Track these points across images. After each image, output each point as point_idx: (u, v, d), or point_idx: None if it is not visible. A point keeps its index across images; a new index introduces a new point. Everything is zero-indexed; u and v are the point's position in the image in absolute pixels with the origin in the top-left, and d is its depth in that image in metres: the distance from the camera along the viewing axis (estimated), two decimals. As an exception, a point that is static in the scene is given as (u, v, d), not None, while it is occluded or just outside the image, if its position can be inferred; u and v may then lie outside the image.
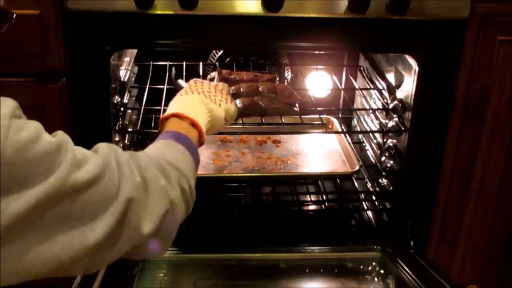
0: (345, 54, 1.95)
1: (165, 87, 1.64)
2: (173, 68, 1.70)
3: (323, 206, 1.64)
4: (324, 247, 1.43)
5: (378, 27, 1.25)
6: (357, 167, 1.60)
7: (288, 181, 1.72)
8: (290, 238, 1.45)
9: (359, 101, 1.88)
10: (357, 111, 1.87)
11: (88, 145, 0.75)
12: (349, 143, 1.72)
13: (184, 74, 1.69)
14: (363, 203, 1.65)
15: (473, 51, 1.29)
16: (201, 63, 1.78)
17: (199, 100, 1.11)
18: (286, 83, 1.80)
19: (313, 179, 1.72)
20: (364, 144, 1.83)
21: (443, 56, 1.30)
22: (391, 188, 1.54)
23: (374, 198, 1.63)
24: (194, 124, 1.04)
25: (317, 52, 1.80)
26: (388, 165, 1.56)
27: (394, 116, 1.50)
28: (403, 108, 1.42)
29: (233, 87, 1.56)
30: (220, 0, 1.19)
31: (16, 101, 0.67)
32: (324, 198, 1.66)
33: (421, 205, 1.45)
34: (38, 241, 0.66)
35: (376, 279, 1.37)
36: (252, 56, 1.79)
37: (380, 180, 1.62)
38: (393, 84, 1.53)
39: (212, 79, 1.62)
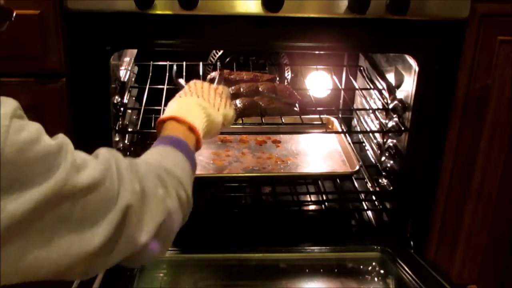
0: (345, 54, 1.95)
1: (165, 87, 1.64)
2: (174, 65, 1.70)
3: (323, 206, 1.64)
4: (324, 247, 1.43)
5: (378, 27, 1.25)
6: (357, 167, 1.60)
7: (288, 181, 1.72)
8: (290, 238, 1.45)
9: (359, 101, 1.88)
10: (357, 111, 1.87)
11: (88, 145, 0.75)
12: (349, 143, 1.72)
13: (184, 74, 1.69)
14: (363, 203, 1.65)
15: (473, 51, 1.29)
16: (201, 63, 1.78)
17: (198, 104, 1.10)
18: (286, 83, 1.80)
19: (313, 179, 1.72)
20: (364, 144, 1.83)
21: (443, 56, 1.30)
22: (391, 188, 1.54)
23: (374, 198, 1.63)
24: (191, 129, 1.03)
25: (317, 52, 1.80)
26: (388, 165, 1.56)
27: (394, 116, 1.50)
28: (403, 108, 1.42)
29: (233, 87, 1.56)
30: (220, 0, 1.19)
31: (17, 101, 0.67)
32: (324, 198, 1.66)
33: (421, 205, 1.45)
34: (36, 245, 0.66)
35: (376, 279, 1.37)
36: (252, 56, 1.79)
37: (380, 180, 1.62)
38: (393, 84, 1.53)
39: (212, 79, 1.62)
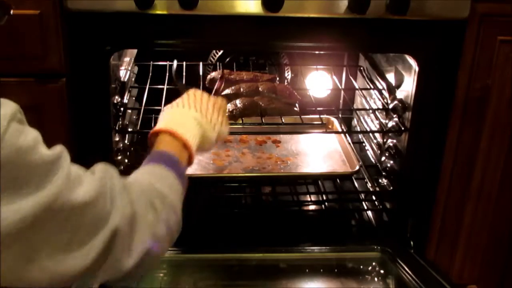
0: (345, 54, 1.95)
1: (165, 87, 1.64)
2: (175, 62, 1.69)
3: (323, 206, 1.64)
4: (324, 247, 1.43)
5: (378, 27, 1.25)
6: (357, 167, 1.60)
7: (288, 181, 1.72)
8: (290, 238, 1.45)
9: (359, 101, 1.88)
10: (357, 111, 1.87)
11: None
12: (349, 143, 1.72)
13: (184, 74, 1.69)
14: (363, 203, 1.65)
15: (473, 51, 1.29)
16: (201, 63, 1.78)
17: (194, 118, 1.05)
18: (286, 83, 1.80)
19: (313, 179, 1.72)
20: (364, 144, 1.83)
21: (443, 56, 1.30)
22: (391, 188, 1.54)
23: (374, 198, 1.63)
24: (186, 146, 1.00)
25: (317, 52, 1.80)
26: (388, 165, 1.56)
27: (394, 116, 1.50)
28: (403, 108, 1.42)
29: (233, 87, 1.56)
30: (220, 0, 1.19)
31: (17, 101, 0.67)
32: (324, 198, 1.66)
33: (421, 205, 1.45)
34: (20, 260, 0.64)
35: (376, 279, 1.37)
36: (252, 56, 1.79)
37: (380, 180, 1.62)
38: (393, 84, 1.53)
39: (212, 79, 1.62)
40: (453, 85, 1.32)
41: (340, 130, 1.80)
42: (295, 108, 1.57)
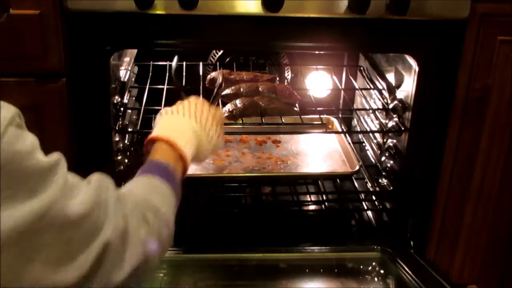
0: (345, 54, 1.95)
1: (165, 87, 1.64)
2: (175, 59, 1.68)
3: (323, 206, 1.64)
4: (324, 247, 1.43)
5: (378, 27, 1.25)
6: (357, 167, 1.60)
7: (288, 181, 1.72)
8: (290, 238, 1.45)
9: (359, 101, 1.88)
10: (357, 111, 1.87)
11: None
12: (349, 143, 1.72)
13: (184, 74, 1.69)
14: (363, 203, 1.65)
15: (473, 51, 1.29)
16: (201, 63, 1.78)
17: (193, 129, 1.04)
18: (286, 83, 1.80)
19: (313, 179, 1.72)
20: (364, 144, 1.83)
21: (443, 56, 1.30)
22: (391, 188, 1.54)
23: (374, 198, 1.63)
24: (182, 157, 0.98)
25: (317, 52, 1.80)
26: (388, 165, 1.56)
27: (394, 116, 1.50)
28: (403, 108, 1.42)
29: (233, 87, 1.56)
30: (220, 0, 1.19)
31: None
32: (324, 198, 1.66)
33: (421, 205, 1.45)
34: (10, 270, 0.62)
35: (376, 279, 1.37)
36: (252, 56, 1.79)
37: (380, 180, 1.62)
38: (393, 84, 1.53)
39: (212, 79, 1.62)
40: (453, 85, 1.32)
41: (340, 130, 1.80)
42: (295, 108, 1.57)
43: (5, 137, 0.60)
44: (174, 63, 1.69)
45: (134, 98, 1.73)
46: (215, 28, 1.23)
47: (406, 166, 1.44)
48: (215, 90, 1.41)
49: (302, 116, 1.55)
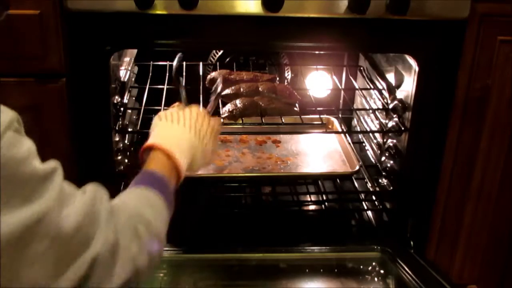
0: (345, 54, 1.95)
1: (165, 87, 1.64)
2: (177, 57, 1.68)
3: (323, 206, 1.64)
4: (324, 247, 1.43)
5: (378, 27, 1.25)
6: (357, 167, 1.60)
7: (288, 181, 1.72)
8: (290, 238, 1.45)
9: (359, 101, 1.88)
10: (357, 111, 1.87)
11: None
12: (349, 143, 1.72)
13: (184, 74, 1.69)
14: (363, 203, 1.65)
15: (473, 51, 1.29)
16: (201, 63, 1.78)
17: (190, 142, 1.03)
18: (286, 83, 1.80)
19: (313, 179, 1.72)
20: (364, 144, 1.83)
21: (443, 56, 1.30)
22: (391, 188, 1.54)
23: (374, 198, 1.63)
24: (177, 169, 0.97)
25: (317, 52, 1.80)
26: (388, 165, 1.56)
27: (394, 116, 1.50)
28: (403, 108, 1.42)
29: (233, 87, 1.56)
30: (220, 0, 1.19)
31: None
32: (324, 198, 1.66)
33: (421, 205, 1.45)
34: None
35: (376, 279, 1.37)
36: (252, 56, 1.79)
37: (380, 180, 1.62)
38: (393, 84, 1.53)
39: (212, 79, 1.62)
40: (453, 85, 1.32)
41: (340, 130, 1.80)
42: (295, 108, 1.57)
43: (2, 142, 0.60)
44: (176, 61, 1.68)
45: (134, 98, 1.73)
46: (215, 28, 1.23)
47: (406, 166, 1.44)
48: (213, 98, 1.39)
49: (302, 116, 1.55)
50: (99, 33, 1.21)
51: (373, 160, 1.73)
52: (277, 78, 1.73)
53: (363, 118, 1.82)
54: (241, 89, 1.55)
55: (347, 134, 1.78)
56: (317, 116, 1.62)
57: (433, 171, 1.40)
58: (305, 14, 1.22)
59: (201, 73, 1.73)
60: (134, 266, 0.78)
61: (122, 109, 1.48)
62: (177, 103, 1.19)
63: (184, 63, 1.73)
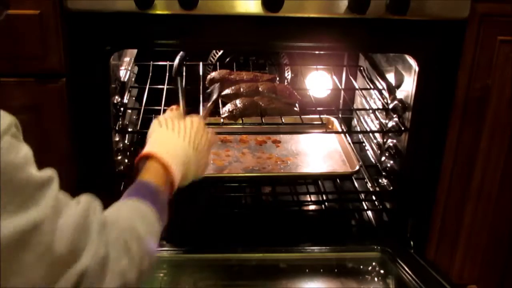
0: (345, 54, 1.95)
1: (165, 87, 1.64)
2: (178, 56, 1.67)
3: (323, 206, 1.64)
4: (324, 247, 1.43)
5: (378, 27, 1.25)
6: (357, 167, 1.60)
7: (288, 181, 1.72)
8: (290, 238, 1.45)
9: (359, 101, 1.88)
10: (357, 111, 1.87)
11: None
12: (349, 143, 1.72)
13: (184, 74, 1.69)
14: (363, 203, 1.65)
15: (473, 51, 1.29)
16: (201, 63, 1.78)
17: (186, 154, 1.01)
18: (286, 83, 1.80)
19: (313, 179, 1.72)
20: (364, 144, 1.83)
21: (443, 56, 1.30)
22: (391, 188, 1.54)
23: (374, 198, 1.63)
24: (172, 182, 0.97)
25: (317, 52, 1.80)
26: (388, 165, 1.56)
27: (394, 116, 1.50)
28: (403, 108, 1.42)
29: (233, 87, 1.56)
30: (220, 0, 1.19)
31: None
32: (324, 198, 1.66)
33: (421, 205, 1.45)
34: None
35: (376, 279, 1.37)
36: (252, 56, 1.79)
37: (380, 180, 1.62)
38: (393, 84, 1.53)
39: (213, 79, 1.62)
40: (453, 85, 1.32)
41: (340, 130, 1.80)
42: (295, 108, 1.57)
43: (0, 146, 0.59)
44: (177, 60, 1.68)
45: (134, 98, 1.73)
46: (215, 28, 1.23)
47: (406, 166, 1.44)
48: (207, 105, 1.36)
49: (302, 116, 1.55)
50: (99, 33, 1.21)
51: (373, 160, 1.73)
52: (277, 78, 1.73)
53: (363, 118, 1.82)
54: (241, 89, 1.55)
55: (347, 134, 1.78)
56: (317, 116, 1.62)
57: (433, 171, 1.40)
58: (305, 14, 1.22)
59: (201, 73, 1.73)
60: (123, 280, 0.77)
61: (122, 109, 1.48)
62: (175, 106, 1.17)
63: (184, 63, 1.73)
